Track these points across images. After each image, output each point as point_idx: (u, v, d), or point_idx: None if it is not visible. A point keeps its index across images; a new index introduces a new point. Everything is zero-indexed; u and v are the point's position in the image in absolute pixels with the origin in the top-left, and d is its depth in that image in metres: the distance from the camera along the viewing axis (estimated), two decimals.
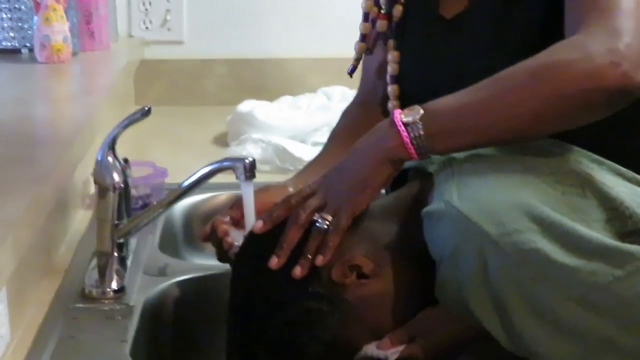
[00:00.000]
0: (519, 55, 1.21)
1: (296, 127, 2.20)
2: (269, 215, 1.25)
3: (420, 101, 1.21)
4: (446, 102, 1.20)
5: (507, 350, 1.16)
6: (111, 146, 1.46)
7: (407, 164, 1.26)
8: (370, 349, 1.20)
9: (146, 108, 1.45)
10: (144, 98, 2.58)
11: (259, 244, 1.24)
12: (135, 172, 1.63)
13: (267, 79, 2.66)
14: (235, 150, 2.12)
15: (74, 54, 2.34)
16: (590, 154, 1.25)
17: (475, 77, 1.22)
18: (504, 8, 1.33)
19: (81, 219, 1.77)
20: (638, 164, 1.30)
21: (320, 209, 1.22)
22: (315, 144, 2.14)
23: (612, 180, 1.20)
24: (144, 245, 1.62)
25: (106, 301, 1.42)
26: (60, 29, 2.27)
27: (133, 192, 1.63)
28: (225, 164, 1.39)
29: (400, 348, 1.19)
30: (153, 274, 1.53)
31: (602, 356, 1.10)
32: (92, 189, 1.85)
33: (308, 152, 2.07)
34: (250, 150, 2.08)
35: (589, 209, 1.14)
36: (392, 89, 1.47)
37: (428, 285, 1.20)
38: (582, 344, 1.10)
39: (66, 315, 1.37)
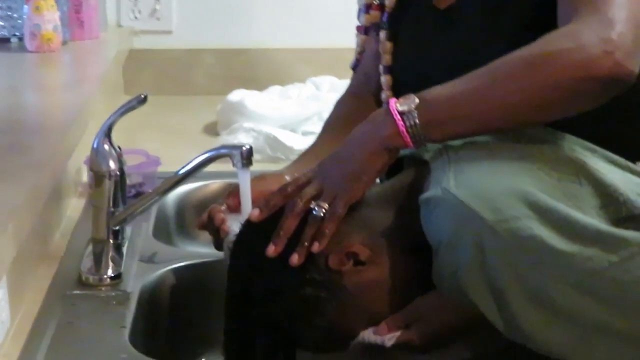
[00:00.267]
0: (512, 45, 1.22)
1: (286, 117, 2.21)
2: (266, 204, 1.26)
3: (414, 92, 1.22)
4: (441, 90, 1.22)
5: (501, 337, 1.18)
6: (107, 134, 1.47)
7: (403, 152, 1.27)
8: (367, 334, 1.21)
9: (142, 96, 1.46)
10: (133, 87, 2.58)
11: (256, 232, 1.25)
12: (127, 161, 1.63)
13: (255, 69, 2.67)
14: (226, 139, 2.13)
15: (64, 43, 2.34)
16: (583, 141, 1.26)
17: (469, 67, 1.23)
18: None
19: (74, 206, 1.77)
20: (631, 153, 1.32)
21: (316, 197, 1.23)
22: (305, 133, 2.16)
23: (605, 167, 1.22)
24: (139, 233, 1.62)
25: (103, 288, 1.43)
26: (50, 18, 2.27)
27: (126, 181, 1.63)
28: (222, 151, 1.40)
29: (397, 334, 1.21)
30: (148, 262, 1.54)
31: (597, 340, 1.12)
32: (85, 177, 1.86)
33: (299, 141, 2.08)
34: (242, 140, 2.09)
35: (584, 196, 1.15)
36: (385, 79, 1.49)
37: (424, 272, 1.21)
38: (578, 328, 1.12)
39: (64, 301, 1.38)
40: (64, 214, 1.72)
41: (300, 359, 1.27)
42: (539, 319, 1.11)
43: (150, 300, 1.45)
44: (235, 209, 1.44)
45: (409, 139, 1.19)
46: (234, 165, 1.38)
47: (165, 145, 2.14)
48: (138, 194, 1.79)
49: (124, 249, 1.51)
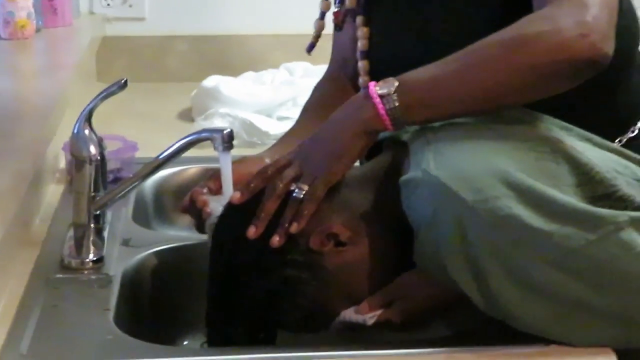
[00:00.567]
0: (487, 29, 1.25)
1: (261, 102, 2.23)
2: (247, 186, 1.28)
3: (391, 76, 1.24)
4: (420, 74, 1.24)
5: (479, 315, 1.21)
6: (87, 119, 1.47)
7: (382, 134, 1.30)
8: (349, 314, 1.24)
9: (122, 81, 1.47)
10: (107, 75, 2.58)
11: (237, 215, 1.27)
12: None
13: (229, 55, 2.69)
14: (202, 125, 2.14)
15: (37, 30, 2.34)
16: (559, 121, 1.29)
17: (445, 51, 1.25)
18: None
19: (53, 192, 1.78)
20: (609, 134, 1.35)
21: (296, 179, 1.25)
22: (280, 118, 2.18)
23: (582, 145, 1.25)
24: (119, 218, 1.64)
25: (85, 271, 1.43)
26: (24, 5, 2.28)
27: None
28: (204, 135, 1.41)
29: (378, 312, 1.23)
30: (129, 245, 1.55)
31: (574, 317, 1.15)
32: (63, 163, 1.87)
33: (274, 126, 2.10)
34: (218, 125, 2.11)
35: (561, 175, 1.18)
36: (362, 64, 1.51)
37: (404, 251, 1.24)
38: (555, 305, 1.15)
39: (47, 285, 1.38)
40: (43, 199, 1.73)
41: (282, 339, 1.29)
42: (518, 296, 1.14)
43: (133, 283, 1.46)
44: (217, 191, 1.46)
45: (388, 122, 1.22)
46: (215, 148, 1.40)
47: (141, 131, 2.15)
48: (116, 180, 1.80)
49: (105, 233, 1.52)
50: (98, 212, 1.49)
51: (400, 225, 1.23)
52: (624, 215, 1.14)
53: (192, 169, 1.91)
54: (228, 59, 2.67)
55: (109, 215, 1.58)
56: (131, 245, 1.55)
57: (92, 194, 1.47)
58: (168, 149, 1.43)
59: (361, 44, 1.51)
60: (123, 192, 1.50)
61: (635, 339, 1.18)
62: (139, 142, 1.92)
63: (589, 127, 1.33)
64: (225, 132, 1.39)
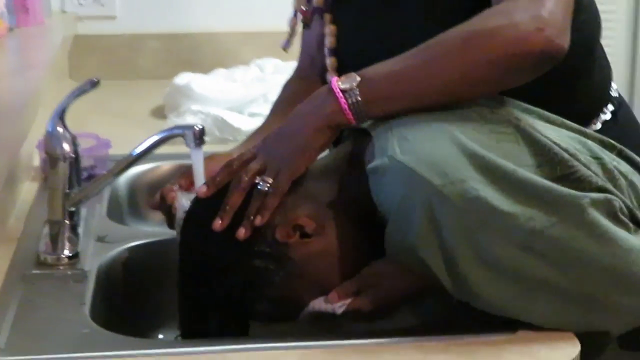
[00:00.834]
0: (449, 23, 1.28)
1: (233, 99, 2.25)
2: (213, 180, 1.30)
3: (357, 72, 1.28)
4: (381, 68, 1.27)
5: (446, 304, 1.24)
6: (61, 117, 1.49)
7: None
8: (318, 303, 1.26)
9: (95, 79, 1.49)
10: (79, 73, 2.60)
11: (205, 208, 1.29)
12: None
13: (200, 52, 2.70)
14: (175, 122, 2.16)
15: (10, 29, 2.35)
16: (519, 102, 1.32)
17: (408, 48, 1.29)
18: None
19: (27, 190, 1.80)
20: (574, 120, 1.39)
21: (261, 172, 1.27)
22: (252, 114, 2.20)
23: (542, 125, 1.28)
24: (93, 214, 1.66)
25: (61, 267, 1.45)
26: None
27: None
28: (176, 131, 1.43)
29: (347, 301, 1.25)
30: (104, 241, 1.57)
31: (539, 297, 1.19)
32: (37, 161, 1.89)
33: (246, 123, 2.13)
34: (190, 122, 2.13)
35: (521, 156, 1.21)
36: (330, 61, 1.54)
37: (371, 240, 1.27)
38: (521, 285, 1.18)
39: (24, 281, 1.40)
40: (18, 197, 1.75)
41: (254, 330, 1.32)
42: (485, 276, 1.17)
43: (108, 277, 1.49)
44: (187, 188, 1.49)
45: (351, 116, 1.25)
46: (187, 144, 1.42)
47: (114, 129, 2.16)
48: (90, 177, 1.82)
49: (80, 230, 1.54)
50: (73, 209, 1.50)
51: (366, 213, 1.26)
52: (585, 197, 1.17)
53: (166, 166, 1.93)
54: (199, 56, 2.69)
55: (83, 211, 1.61)
56: (106, 241, 1.57)
57: (67, 191, 1.49)
58: (140, 145, 1.45)
59: (329, 41, 1.54)
60: (97, 189, 1.52)
61: (597, 320, 1.22)
62: (112, 140, 1.94)
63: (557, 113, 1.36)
64: (196, 128, 1.41)
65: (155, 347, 1.26)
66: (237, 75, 2.42)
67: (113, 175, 1.51)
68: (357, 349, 1.20)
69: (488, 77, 1.24)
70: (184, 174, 1.51)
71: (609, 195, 1.20)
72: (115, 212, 1.79)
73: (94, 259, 1.49)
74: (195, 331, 1.30)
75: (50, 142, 1.49)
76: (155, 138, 1.45)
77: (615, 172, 1.27)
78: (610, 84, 1.55)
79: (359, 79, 1.24)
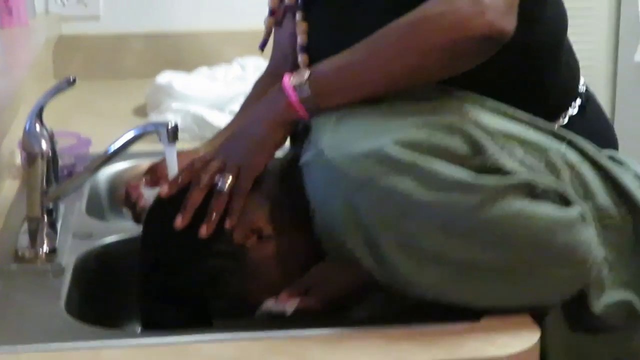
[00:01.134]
0: None
1: (213, 97, 2.28)
2: (174, 181, 1.34)
3: None
4: (330, 63, 1.31)
5: (396, 297, 1.28)
6: (38, 115, 1.52)
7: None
8: (270, 304, 1.30)
9: (72, 78, 1.52)
10: (63, 73, 2.60)
11: (167, 207, 1.33)
12: (60, 143, 1.69)
13: (183, 52, 2.73)
14: (155, 120, 2.19)
15: None
16: (473, 94, 1.35)
17: None
18: None
19: (9, 187, 1.83)
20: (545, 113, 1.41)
21: (220, 171, 1.31)
22: (232, 112, 2.22)
23: (487, 118, 1.31)
24: (72, 211, 1.69)
25: (39, 262, 1.49)
26: None
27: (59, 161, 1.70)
28: (149, 128, 1.47)
29: (297, 300, 1.29)
30: (81, 237, 1.61)
31: (468, 277, 1.22)
32: (18, 159, 1.92)
33: (225, 120, 2.15)
34: (171, 120, 2.15)
35: (452, 148, 1.24)
36: (302, 58, 1.57)
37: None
38: (449, 268, 1.22)
39: (1, 275, 1.44)
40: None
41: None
42: (413, 264, 1.21)
43: (84, 272, 1.52)
44: (153, 184, 1.52)
45: (302, 111, 1.29)
46: (160, 141, 1.45)
47: (97, 127, 2.19)
48: (71, 174, 1.85)
49: (58, 226, 1.57)
50: (51, 206, 1.54)
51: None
52: (502, 182, 1.21)
53: (145, 163, 1.95)
54: (182, 56, 2.72)
55: (62, 208, 1.64)
56: (83, 236, 1.60)
57: (45, 188, 1.52)
58: (115, 143, 1.48)
59: (300, 39, 1.57)
60: (74, 186, 1.56)
61: (529, 294, 1.25)
62: (95, 138, 1.97)
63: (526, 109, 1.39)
64: (169, 125, 1.44)
65: (124, 337, 1.29)
66: (218, 74, 2.45)
67: (89, 172, 1.54)
68: (322, 339, 1.23)
69: (432, 64, 1.27)
70: (150, 170, 1.55)
71: (530, 179, 1.23)
72: (95, 209, 1.82)
73: (71, 254, 1.52)
74: (154, 323, 1.34)
75: (27, 140, 1.52)
76: (129, 135, 1.48)
77: (559, 163, 1.30)
78: (578, 78, 1.58)
79: (308, 73, 1.28)
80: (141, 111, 2.37)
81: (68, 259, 1.51)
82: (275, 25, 1.62)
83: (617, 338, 1.32)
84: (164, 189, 1.33)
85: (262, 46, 1.65)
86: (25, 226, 1.53)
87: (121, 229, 1.66)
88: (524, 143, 1.30)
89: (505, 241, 1.21)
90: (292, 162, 1.34)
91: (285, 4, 1.58)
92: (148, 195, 1.45)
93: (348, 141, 1.24)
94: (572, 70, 1.57)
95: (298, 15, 1.57)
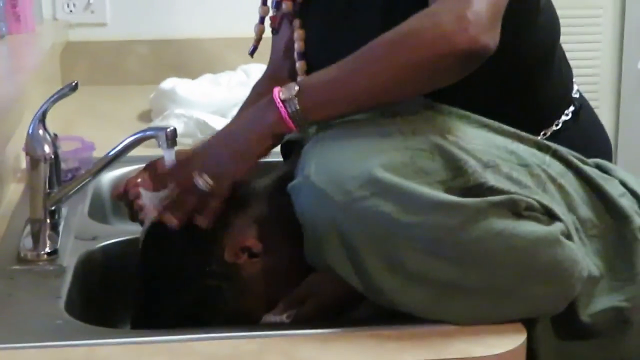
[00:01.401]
0: None
1: (216, 103, 2.31)
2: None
3: None
4: (319, 77, 1.34)
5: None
6: (41, 120, 1.55)
7: (290, 136, 1.40)
8: (268, 317, 1.33)
9: (73, 83, 1.56)
10: (70, 78, 2.57)
11: (162, 230, 1.36)
12: (64, 147, 1.73)
13: (188, 58, 2.77)
14: (157, 125, 2.22)
15: (1, 37, 2.42)
16: (457, 110, 1.37)
17: None
18: None
19: (14, 190, 1.86)
20: (534, 128, 1.45)
21: (200, 171, 1.33)
22: None
23: (472, 134, 1.34)
24: (74, 213, 1.72)
25: (40, 263, 1.52)
26: None
27: (62, 165, 1.72)
28: (148, 133, 1.50)
29: (294, 311, 1.33)
30: (83, 239, 1.64)
31: (452, 297, 1.25)
32: (24, 163, 1.95)
33: None
34: (174, 125, 2.18)
35: (434, 171, 1.27)
36: (299, 64, 1.60)
37: None
38: (432, 289, 1.24)
39: (3, 275, 1.47)
40: (4, 198, 1.81)
41: None
42: (396, 283, 1.23)
43: (85, 272, 1.55)
44: (148, 183, 1.55)
45: (291, 124, 1.31)
46: (159, 145, 1.48)
47: (102, 132, 2.22)
48: (74, 178, 1.88)
49: (60, 228, 1.61)
50: (53, 208, 1.57)
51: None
52: (483, 201, 1.24)
53: None
54: (187, 62, 2.75)
55: (64, 211, 1.67)
56: (85, 238, 1.64)
57: (47, 190, 1.55)
58: (116, 146, 1.51)
59: (298, 46, 1.60)
60: (76, 188, 1.58)
61: (513, 312, 1.28)
62: (99, 143, 2.00)
63: (512, 122, 1.42)
64: (168, 130, 1.47)
65: (119, 335, 1.32)
66: (222, 80, 2.48)
67: (90, 175, 1.57)
68: (314, 338, 1.27)
69: (416, 78, 1.30)
70: (149, 167, 1.58)
71: (513, 195, 1.25)
72: (97, 212, 1.85)
73: (72, 256, 1.56)
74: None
75: (31, 144, 1.55)
76: (129, 139, 1.51)
77: (543, 176, 1.33)
78: (571, 85, 1.60)
79: (297, 88, 1.31)
80: (145, 116, 2.41)
81: (69, 260, 1.54)
82: (272, 32, 1.65)
83: (606, 343, 1.34)
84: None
85: (252, 52, 1.68)
86: (28, 228, 1.56)
87: (122, 232, 1.69)
88: (508, 158, 1.33)
89: (488, 261, 1.24)
90: (283, 181, 1.37)
91: (283, 11, 1.61)
92: (146, 194, 1.48)
93: (333, 165, 1.27)
94: (565, 77, 1.59)
95: (296, 23, 1.60)
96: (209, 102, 2.31)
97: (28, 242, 1.55)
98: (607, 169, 1.45)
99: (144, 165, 1.94)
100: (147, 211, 1.46)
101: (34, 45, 2.45)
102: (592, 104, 1.68)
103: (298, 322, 1.31)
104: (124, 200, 1.57)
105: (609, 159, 1.59)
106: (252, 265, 1.34)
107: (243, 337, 1.27)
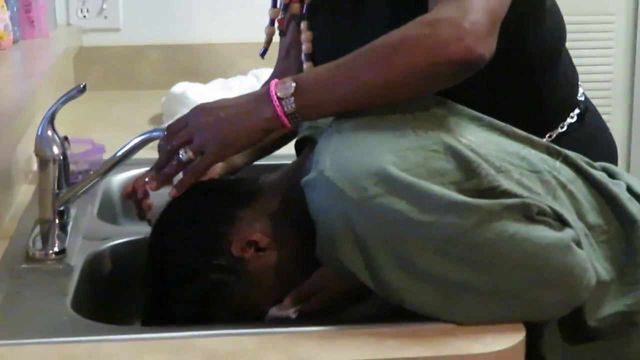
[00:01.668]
0: None
1: None
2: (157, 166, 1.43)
3: None
4: (316, 75, 1.37)
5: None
6: (50, 121, 1.58)
7: (304, 133, 1.43)
8: (274, 311, 1.35)
9: (82, 85, 1.58)
10: (84, 83, 2.68)
11: (171, 222, 1.40)
12: (74, 149, 1.75)
13: (199, 63, 2.79)
14: None
15: (15, 41, 2.45)
16: (470, 111, 1.39)
17: None
18: None
19: (25, 192, 1.89)
20: (539, 131, 1.47)
21: (187, 144, 1.37)
22: None
23: (484, 138, 1.35)
24: (83, 214, 1.75)
25: (48, 262, 1.54)
26: (0, 17, 2.38)
27: (73, 167, 1.75)
28: (155, 133, 1.52)
29: (299, 306, 1.34)
30: (91, 239, 1.66)
31: (461, 298, 1.26)
32: (35, 165, 1.98)
33: None
34: None
35: (447, 172, 1.28)
36: (307, 66, 1.62)
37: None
38: (441, 288, 1.25)
39: (12, 274, 1.49)
40: (14, 199, 1.84)
41: None
42: (407, 282, 1.25)
43: (92, 271, 1.57)
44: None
45: (286, 122, 1.34)
46: None
47: (114, 135, 2.23)
48: None
49: (69, 228, 1.63)
50: (62, 208, 1.59)
51: (313, 225, 1.33)
52: (497, 204, 1.25)
53: None
54: (199, 67, 2.78)
55: (73, 211, 1.69)
56: (93, 238, 1.66)
57: (56, 191, 1.57)
58: (123, 147, 1.54)
59: (305, 47, 1.62)
60: (84, 189, 1.61)
61: (521, 314, 1.29)
62: (109, 145, 2.02)
63: (517, 124, 1.43)
64: None
65: (124, 332, 1.34)
66: (233, 85, 2.50)
67: (98, 176, 1.59)
68: (315, 335, 1.28)
69: (410, 83, 1.32)
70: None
71: (525, 201, 1.26)
72: (108, 214, 1.87)
73: (80, 255, 1.58)
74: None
75: (40, 146, 1.57)
76: (136, 140, 1.53)
77: (553, 183, 1.34)
78: (577, 88, 1.61)
79: (294, 85, 1.33)
80: (157, 120, 2.43)
81: (77, 260, 1.56)
82: (280, 33, 1.67)
83: (613, 345, 1.36)
84: (172, 191, 1.40)
85: (263, 54, 1.71)
86: (37, 228, 1.59)
87: (130, 233, 1.71)
88: (519, 164, 1.34)
89: (499, 264, 1.25)
90: (293, 176, 1.39)
91: (290, 13, 1.63)
92: (153, 193, 1.51)
93: (348, 161, 1.29)
94: (570, 79, 1.60)
95: (303, 25, 1.62)
96: None
97: (37, 241, 1.57)
98: (613, 173, 1.46)
99: None
100: (154, 210, 1.48)
101: (47, 50, 2.48)
102: (605, 109, 1.69)
103: (303, 317, 1.33)
104: (132, 199, 1.60)
105: (614, 162, 1.60)
106: (259, 260, 1.35)
107: (243, 334, 1.29)
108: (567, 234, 1.28)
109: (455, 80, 1.32)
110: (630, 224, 1.37)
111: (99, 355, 1.25)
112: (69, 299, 1.42)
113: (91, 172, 1.89)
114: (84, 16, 2.78)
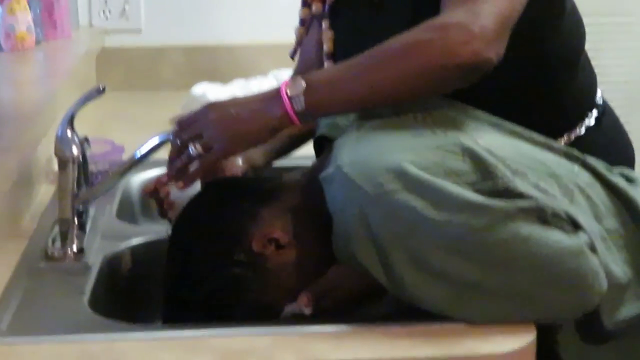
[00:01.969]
0: None
1: None
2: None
3: None
4: (326, 75, 1.39)
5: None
6: (70, 122, 1.60)
7: (322, 132, 1.45)
8: (291, 307, 1.36)
9: (101, 87, 1.60)
10: (106, 84, 2.68)
11: (192, 218, 1.41)
12: (94, 149, 1.77)
13: (220, 64, 2.80)
14: None
15: (38, 42, 2.47)
16: (489, 116, 1.40)
17: None
18: None
19: (45, 192, 1.91)
20: (557, 133, 1.47)
21: (197, 138, 1.39)
22: None
23: (502, 140, 1.36)
24: (102, 214, 1.77)
25: (67, 261, 1.56)
26: (23, 19, 2.40)
27: (92, 167, 1.77)
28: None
29: (314, 304, 1.35)
30: (110, 238, 1.68)
31: (471, 297, 1.27)
32: (56, 165, 2.00)
33: None
34: None
35: (464, 172, 1.29)
36: (327, 65, 1.63)
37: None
38: (453, 287, 1.26)
39: (30, 273, 1.51)
40: (35, 199, 1.86)
41: None
42: (420, 279, 1.26)
43: (110, 270, 1.59)
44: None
45: (296, 120, 1.35)
46: None
47: (134, 136, 2.24)
48: None
49: (87, 227, 1.65)
50: (81, 208, 1.61)
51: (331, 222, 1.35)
52: (512, 205, 1.26)
53: None
54: (220, 68, 2.79)
55: (92, 211, 1.71)
56: (111, 238, 1.68)
57: (75, 191, 1.59)
58: (141, 147, 1.55)
59: (326, 46, 1.63)
60: (103, 189, 1.63)
61: (532, 314, 1.29)
62: (129, 146, 2.03)
63: (535, 126, 1.44)
64: None
65: (138, 330, 1.36)
66: (253, 85, 2.52)
67: (117, 176, 1.62)
68: (327, 335, 1.29)
69: (418, 86, 1.34)
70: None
71: (541, 204, 1.27)
72: (126, 213, 1.89)
73: (98, 254, 1.60)
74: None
75: (59, 146, 1.59)
76: (155, 141, 1.55)
77: (571, 187, 1.35)
78: (595, 90, 1.61)
79: (304, 85, 1.35)
80: None
81: (95, 259, 1.58)
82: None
83: (630, 346, 1.37)
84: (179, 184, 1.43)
85: (293, 54, 1.72)
86: (56, 227, 1.61)
87: (148, 232, 1.73)
88: (537, 167, 1.35)
89: (511, 265, 1.26)
90: (314, 175, 1.40)
91: (312, 12, 1.65)
92: (175, 192, 1.52)
93: (365, 157, 1.30)
94: (588, 81, 1.60)
95: (324, 24, 1.63)
96: None
97: (56, 240, 1.59)
98: (631, 178, 1.46)
99: None
100: (176, 208, 1.50)
101: (69, 51, 2.51)
102: (624, 111, 1.69)
103: (318, 315, 1.34)
104: (154, 197, 1.62)
105: (632, 165, 1.60)
106: (279, 257, 1.36)
107: (257, 332, 1.30)
108: (580, 238, 1.29)
109: (462, 84, 1.34)
110: None
111: (115, 353, 1.27)
112: (86, 298, 1.44)
113: (110, 173, 1.94)
114: (106, 17, 2.81)
